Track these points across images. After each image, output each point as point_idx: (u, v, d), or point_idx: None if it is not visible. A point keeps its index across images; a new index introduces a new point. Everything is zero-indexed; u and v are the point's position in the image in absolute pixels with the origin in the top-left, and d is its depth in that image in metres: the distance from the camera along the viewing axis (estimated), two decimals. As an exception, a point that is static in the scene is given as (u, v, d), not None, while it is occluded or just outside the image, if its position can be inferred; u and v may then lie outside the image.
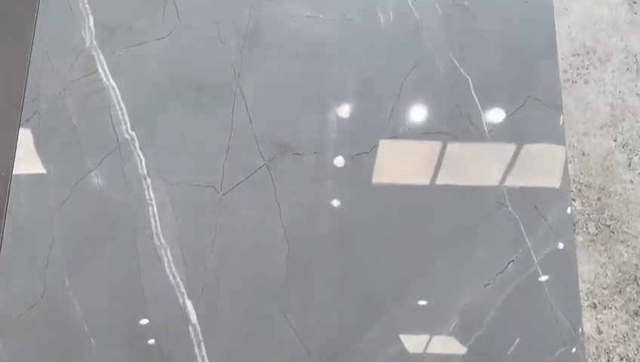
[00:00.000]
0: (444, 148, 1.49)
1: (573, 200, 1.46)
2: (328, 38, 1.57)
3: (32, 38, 1.53)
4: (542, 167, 1.47)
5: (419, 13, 1.60)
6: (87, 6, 1.57)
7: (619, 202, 1.47)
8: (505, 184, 1.45)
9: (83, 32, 1.54)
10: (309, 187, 1.45)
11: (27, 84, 1.50)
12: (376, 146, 1.49)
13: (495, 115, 1.52)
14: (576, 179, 1.49)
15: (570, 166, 1.50)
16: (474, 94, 1.53)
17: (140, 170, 1.44)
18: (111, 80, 1.50)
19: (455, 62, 1.56)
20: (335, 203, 1.44)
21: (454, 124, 1.51)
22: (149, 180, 1.44)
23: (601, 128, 1.52)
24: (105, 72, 1.51)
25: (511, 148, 1.48)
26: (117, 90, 1.50)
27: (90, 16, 1.56)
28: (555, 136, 1.49)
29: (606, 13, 1.59)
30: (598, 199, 1.47)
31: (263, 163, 1.47)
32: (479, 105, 1.52)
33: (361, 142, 1.49)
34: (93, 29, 1.55)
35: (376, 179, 1.47)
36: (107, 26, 1.55)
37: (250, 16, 1.58)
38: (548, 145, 1.48)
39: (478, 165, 1.47)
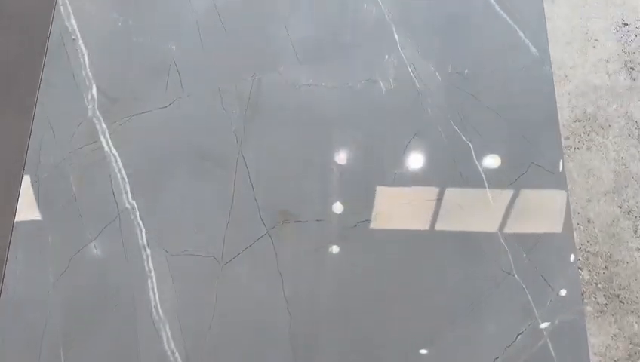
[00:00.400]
0: (448, 215, 1.49)
1: (580, 268, 1.45)
2: (330, 106, 1.59)
3: (34, 106, 1.55)
4: (547, 235, 1.46)
5: (419, 81, 1.63)
6: (90, 75, 1.59)
7: (627, 270, 1.46)
8: (511, 253, 1.44)
9: (85, 101, 1.56)
10: (311, 256, 1.44)
11: (28, 153, 1.50)
12: (379, 213, 1.49)
13: (498, 182, 1.52)
14: (582, 247, 1.48)
15: (575, 234, 1.49)
16: (476, 161, 1.54)
17: (139, 241, 1.43)
18: (112, 149, 1.51)
19: (456, 129, 1.57)
20: (338, 272, 1.43)
21: (457, 192, 1.52)
22: (148, 251, 1.42)
23: (605, 195, 1.53)
24: (107, 141, 1.52)
25: (515, 216, 1.48)
26: (118, 159, 1.50)
27: (93, 85, 1.58)
28: (560, 203, 1.49)
29: (605, 79, 1.62)
30: (606, 268, 1.46)
31: (264, 231, 1.46)
32: (482, 173, 1.53)
33: (364, 210, 1.49)
34: (96, 98, 1.57)
35: (380, 247, 1.46)
36: (110, 95, 1.57)
37: (253, 85, 1.60)
38: (552, 212, 1.48)
39: (483, 234, 1.46)
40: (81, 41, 1.63)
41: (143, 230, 1.45)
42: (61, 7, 1.66)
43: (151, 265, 1.42)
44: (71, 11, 1.66)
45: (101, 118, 1.55)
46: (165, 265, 1.42)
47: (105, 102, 1.57)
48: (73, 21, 1.64)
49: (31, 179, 1.49)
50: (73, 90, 1.58)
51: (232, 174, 1.51)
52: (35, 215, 1.46)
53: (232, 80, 1.61)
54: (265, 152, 1.54)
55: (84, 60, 1.61)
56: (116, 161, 1.50)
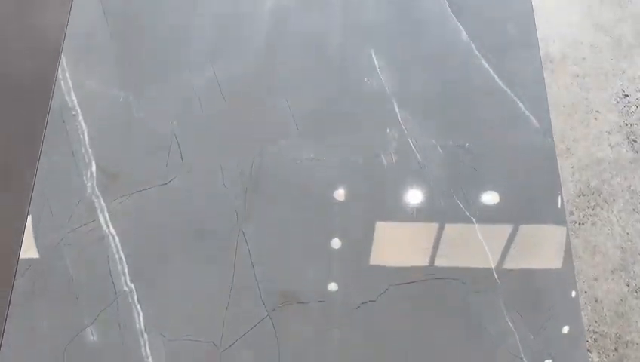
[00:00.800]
0: (453, 295, 1.46)
1: (589, 351, 1.41)
2: (331, 181, 1.58)
3: (32, 183, 1.53)
4: (555, 316, 1.43)
5: (421, 154, 1.62)
6: (89, 151, 1.58)
7: (637, 352, 1.42)
8: (518, 335, 1.41)
9: (85, 178, 1.55)
10: (312, 340, 1.41)
11: (25, 232, 1.48)
12: (383, 294, 1.45)
13: (503, 260, 1.50)
14: (591, 328, 1.45)
15: (583, 314, 1.46)
16: (480, 237, 1.52)
17: (137, 325, 1.40)
18: (111, 228, 1.49)
19: (459, 203, 1.56)
20: (341, 357, 1.39)
21: (462, 271, 1.49)
22: (146, 336, 1.39)
23: (612, 272, 1.50)
24: (105, 219, 1.50)
25: (521, 296, 1.45)
26: (117, 239, 1.48)
27: (93, 161, 1.57)
28: (566, 282, 1.47)
29: (608, 152, 1.61)
30: (615, 350, 1.43)
31: (265, 314, 1.43)
32: (487, 250, 1.50)
33: (368, 290, 1.47)
34: (95, 175, 1.55)
35: (383, 331, 1.42)
36: (109, 171, 1.56)
37: (254, 160, 1.59)
38: (559, 292, 1.46)
39: (490, 315, 1.43)
40: (81, 117, 1.62)
41: (141, 314, 1.41)
42: (61, 82, 1.66)
43: (148, 351, 1.38)
44: (71, 86, 1.66)
45: (100, 196, 1.53)
46: (163, 351, 1.38)
47: (104, 180, 1.55)
48: (73, 96, 1.64)
49: (28, 259, 1.46)
50: (72, 167, 1.57)
51: (232, 254, 1.48)
52: (32, 298, 1.43)
53: (234, 155, 1.60)
54: (266, 230, 1.52)
55: (83, 136, 1.60)
56: (114, 241, 1.48)
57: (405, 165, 1.62)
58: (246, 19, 1.79)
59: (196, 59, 1.72)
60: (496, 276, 1.48)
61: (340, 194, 1.57)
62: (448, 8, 1.83)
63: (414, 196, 1.58)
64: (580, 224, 1.57)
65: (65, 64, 1.69)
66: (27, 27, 1.70)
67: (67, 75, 1.68)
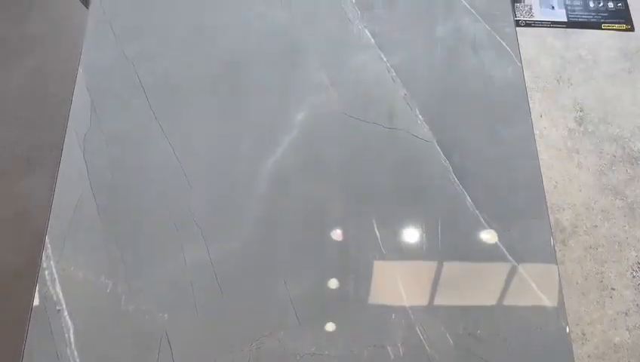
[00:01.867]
0: None
1: None
2: (335, 381, 1.49)
3: (13, 395, 1.43)
4: None
5: (429, 344, 1.54)
6: (75, 353, 1.49)
7: None
8: None
9: None
10: None
11: None
12: None
13: None
14: None
15: None
16: None
17: None
18: None
19: (472, 403, 1.47)
20: None
21: None
22: None
23: None
24: None
25: None
26: None
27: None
28: None
29: (626, 336, 1.53)
30: None
31: None
32: None
33: None
34: (81, 383, 1.45)
35: None
36: (96, 377, 1.46)
37: (251, 358, 1.49)
38: None
39: None
40: (66, 313, 1.53)
41: None
42: (45, 272, 1.57)
43: None
44: (56, 276, 1.57)
45: (86, 407, 1.43)
46: None
47: (90, 384, 1.46)
48: (58, 288, 1.56)
49: None
50: (57, 371, 1.47)
51: None
52: None
53: (229, 352, 1.52)
54: None
55: (69, 335, 1.51)
56: None
57: (413, 358, 1.53)
58: (241, 190, 1.71)
59: (189, 239, 1.65)
60: None
61: (344, 392, 1.49)
62: (452, 173, 1.75)
63: (423, 392, 1.49)
64: (600, 424, 1.47)
65: (49, 250, 1.61)
66: (11, 213, 1.62)
67: (51, 262, 1.59)
